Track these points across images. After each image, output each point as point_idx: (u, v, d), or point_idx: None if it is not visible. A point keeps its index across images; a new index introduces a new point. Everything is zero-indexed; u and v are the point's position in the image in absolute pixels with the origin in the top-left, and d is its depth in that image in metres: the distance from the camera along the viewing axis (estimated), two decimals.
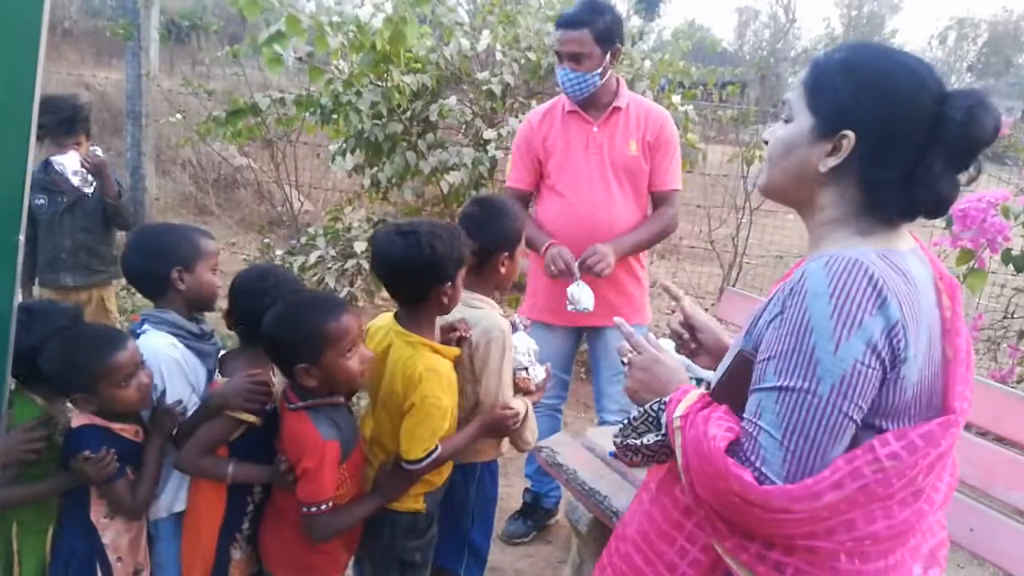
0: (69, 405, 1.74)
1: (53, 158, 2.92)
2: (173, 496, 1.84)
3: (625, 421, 1.28)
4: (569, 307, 2.58)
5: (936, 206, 1.11)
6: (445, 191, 4.08)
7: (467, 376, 1.98)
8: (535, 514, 3.09)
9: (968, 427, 1.95)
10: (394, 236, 1.81)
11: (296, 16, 3.59)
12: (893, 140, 1.08)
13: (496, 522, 3.10)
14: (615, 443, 1.29)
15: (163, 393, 1.78)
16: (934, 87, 1.08)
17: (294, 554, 1.86)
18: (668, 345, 2.10)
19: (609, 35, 2.63)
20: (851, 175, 1.11)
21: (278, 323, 1.72)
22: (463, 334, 1.96)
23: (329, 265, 3.30)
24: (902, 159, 1.08)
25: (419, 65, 4.15)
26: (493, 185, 4.45)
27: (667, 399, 1.20)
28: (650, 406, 1.24)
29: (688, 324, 1.56)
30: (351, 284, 3.33)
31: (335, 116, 4.09)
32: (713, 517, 1.12)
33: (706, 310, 2.33)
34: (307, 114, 4.23)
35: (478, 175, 4.09)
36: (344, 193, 5.20)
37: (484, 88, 4.09)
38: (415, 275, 1.80)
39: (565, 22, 2.64)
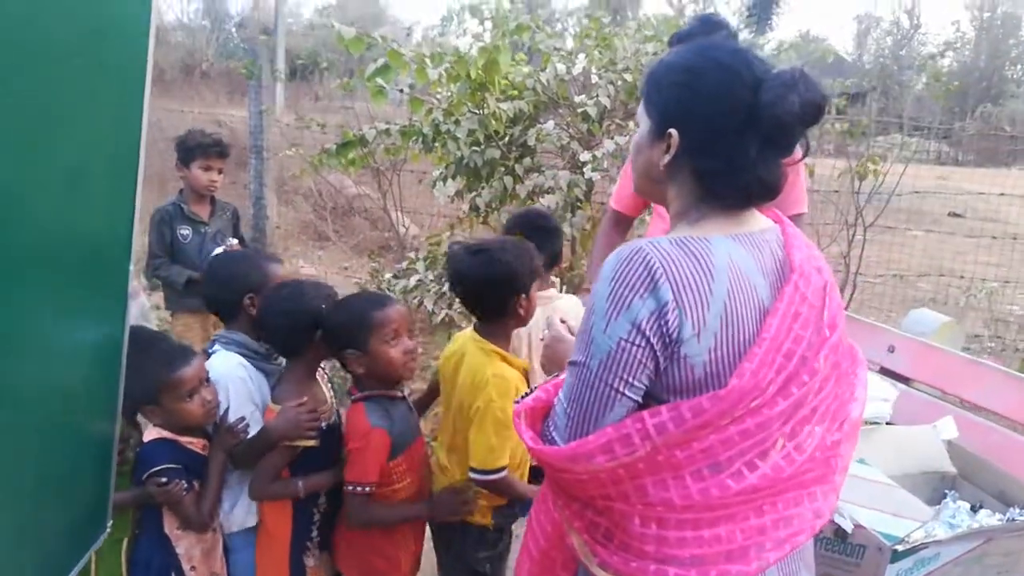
0: (140, 419, 1.86)
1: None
2: (245, 511, 1.93)
3: (530, 390, 1.38)
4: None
5: (762, 190, 1.17)
6: None
7: None
8: None
9: None
10: (466, 256, 1.93)
11: (397, 51, 3.74)
12: (709, 132, 1.15)
13: None
14: (514, 409, 1.41)
15: (227, 411, 1.87)
16: (749, 77, 1.13)
17: (358, 555, 1.94)
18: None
19: None
20: (684, 169, 1.19)
21: (333, 313, 1.87)
22: None
23: (428, 288, 3.39)
24: (722, 148, 1.14)
25: (516, 92, 4.22)
26: (590, 207, 4.44)
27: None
28: (551, 379, 1.37)
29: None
30: (449, 307, 3.40)
31: (436, 144, 4.21)
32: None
33: None
34: (411, 143, 4.38)
35: (574, 198, 4.10)
36: (447, 218, 5.34)
37: (580, 111, 4.10)
38: (491, 290, 1.91)
39: (679, 40, 2.48)
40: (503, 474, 1.87)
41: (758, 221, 1.22)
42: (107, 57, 1.37)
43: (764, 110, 1.11)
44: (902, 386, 2.40)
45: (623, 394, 1.10)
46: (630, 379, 1.09)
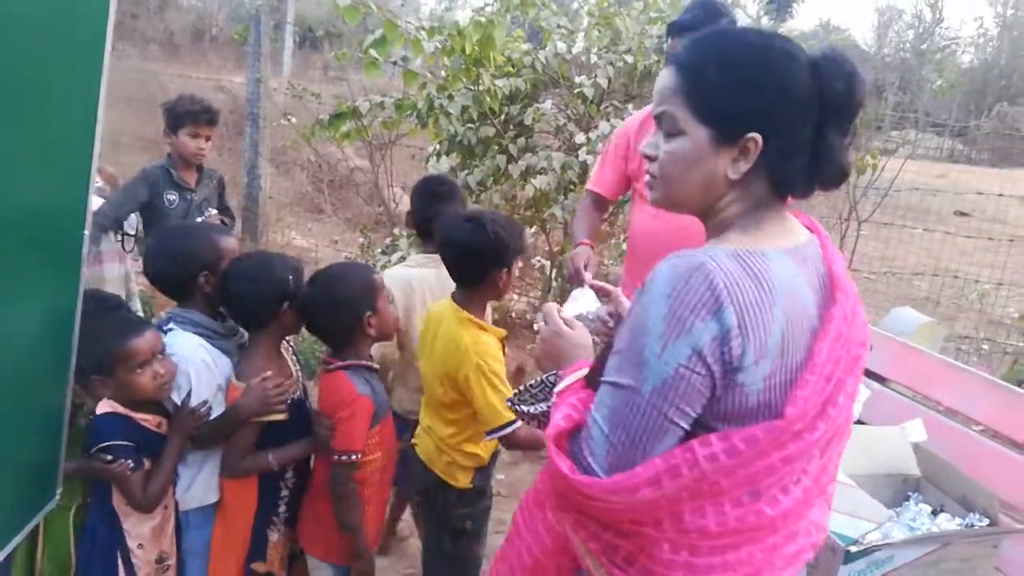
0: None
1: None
2: (205, 487, 1.90)
3: (522, 387, 1.32)
4: (568, 307, 2.37)
5: (839, 177, 1.11)
6: (531, 195, 4.07)
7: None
8: None
9: None
10: (461, 222, 1.99)
11: (393, 21, 3.68)
12: (793, 127, 1.06)
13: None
14: (509, 405, 1.37)
15: (188, 394, 1.82)
16: (804, 59, 1.06)
17: (324, 533, 1.95)
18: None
19: None
20: (756, 172, 1.08)
21: (333, 285, 1.89)
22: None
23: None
24: (803, 143, 1.07)
25: (513, 69, 4.16)
26: (582, 191, 4.39)
27: (561, 373, 1.24)
28: (546, 377, 1.29)
29: (620, 317, 1.51)
30: None
31: (429, 119, 4.17)
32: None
33: None
34: (406, 117, 4.34)
35: (567, 180, 4.05)
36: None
37: (577, 92, 4.04)
38: (478, 257, 1.96)
39: (682, 30, 2.46)
40: (516, 425, 1.92)
41: (801, 230, 1.15)
42: (63, 27, 1.34)
43: (840, 98, 1.05)
44: (877, 386, 2.38)
45: (676, 424, 1.02)
46: (685, 407, 1.01)
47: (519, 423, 1.91)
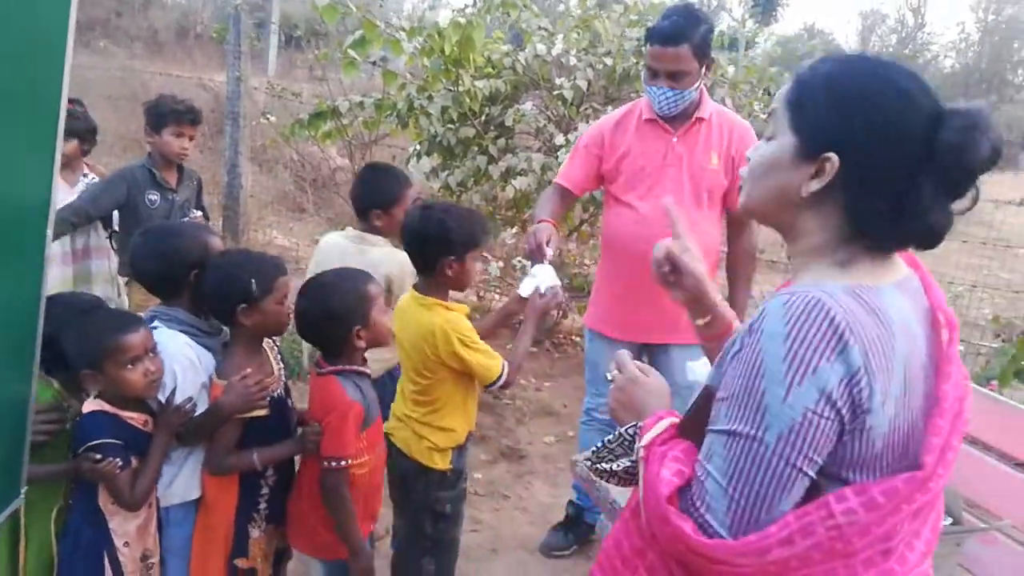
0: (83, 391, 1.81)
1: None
2: (187, 484, 1.90)
3: (600, 444, 1.23)
4: (526, 283, 2.32)
5: (926, 237, 1.03)
6: (511, 196, 4.08)
7: None
8: (577, 528, 3.02)
9: None
10: (417, 210, 2.12)
11: (372, 21, 3.68)
12: (879, 164, 0.99)
13: (539, 531, 3.08)
14: (587, 466, 1.25)
15: (173, 391, 1.83)
16: (927, 106, 0.99)
17: (311, 529, 1.96)
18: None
19: (707, 48, 2.48)
20: (835, 201, 1.03)
21: (328, 296, 1.89)
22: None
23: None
24: (889, 186, 0.99)
25: (492, 70, 4.16)
26: None
27: (641, 424, 1.15)
28: (625, 430, 1.20)
29: (672, 261, 1.45)
30: None
31: (409, 120, 4.17)
32: (667, 556, 1.06)
33: None
34: (386, 117, 4.34)
35: (547, 181, 4.07)
36: (421, 196, 5.29)
37: (556, 93, 4.05)
38: (424, 245, 2.05)
39: (661, 37, 2.44)
40: (507, 371, 2.08)
41: (901, 264, 1.09)
42: (23, 25, 1.33)
43: (948, 152, 0.96)
44: None
45: (805, 473, 0.95)
46: (814, 455, 0.94)
47: (506, 367, 2.08)
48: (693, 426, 1.11)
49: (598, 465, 1.23)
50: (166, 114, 3.16)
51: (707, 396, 1.10)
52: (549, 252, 2.42)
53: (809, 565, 0.95)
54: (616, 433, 1.22)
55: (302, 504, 1.97)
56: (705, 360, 2.16)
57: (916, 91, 1.00)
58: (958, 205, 1.02)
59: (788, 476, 0.94)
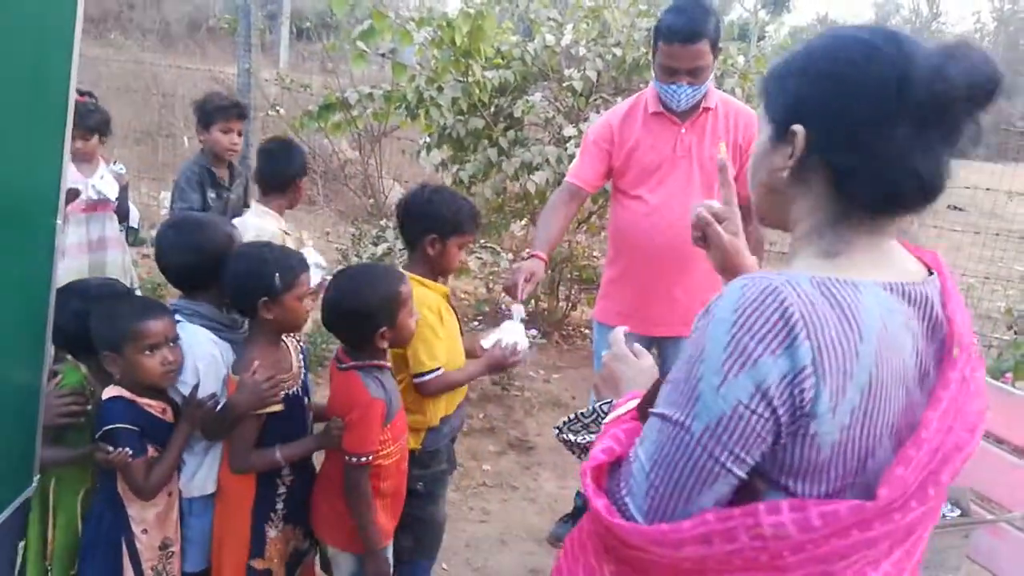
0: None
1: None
2: (206, 477, 1.90)
3: (573, 415, 1.22)
4: (490, 336, 2.30)
5: (919, 189, 0.92)
6: (532, 191, 4.04)
7: None
8: None
9: None
10: (413, 190, 2.20)
11: (381, 12, 3.68)
12: (843, 119, 0.93)
13: (547, 522, 3.09)
14: (555, 434, 1.26)
15: (196, 387, 1.83)
16: (891, 50, 0.91)
17: (343, 522, 1.94)
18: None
19: (719, 38, 2.45)
20: (815, 173, 0.97)
21: (361, 291, 1.88)
22: None
23: (396, 256, 3.38)
24: (863, 138, 0.92)
25: (502, 61, 4.15)
26: None
27: (615, 402, 1.14)
28: (599, 405, 1.19)
29: (703, 229, 1.39)
30: None
31: (419, 111, 4.16)
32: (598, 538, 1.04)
33: None
34: (395, 109, 4.34)
35: (561, 174, 4.06)
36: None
37: (566, 84, 4.04)
38: (409, 219, 2.14)
39: (680, 35, 2.37)
40: (438, 372, 2.07)
41: (911, 264, 1.00)
42: (32, 17, 1.34)
43: (919, 87, 0.88)
44: None
45: (729, 470, 0.88)
46: (741, 453, 0.87)
47: (438, 372, 2.06)
48: (645, 408, 1.06)
49: (565, 436, 1.22)
50: (213, 111, 3.16)
51: (663, 378, 1.05)
52: (523, 295, 2.39)
53: (730, 570, 0.89)
54: (591, 408, 1.20)
55: (332, 498, 1.95)
56: None
57: (874, 37, 0.93)
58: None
59: (709, 470, 0.88)
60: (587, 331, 5.04)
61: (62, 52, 1.45)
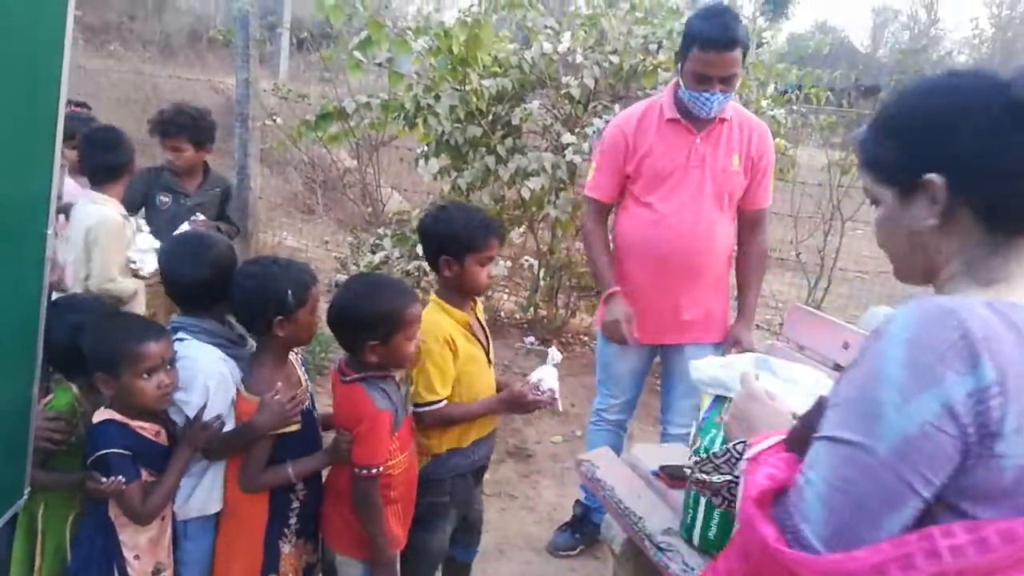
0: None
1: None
2: (206, 497, 1.86)
3: (704, 455, 1.19)
4: (533, 375, 2.19)
5: None
6: (527, 197, 4.05)
7: None
8: (584, 527, 3.01)
9: None
10: (430, 209, 2.18)
11: (378, 21, 3.69)
12: (974, 149, 0.94)
13: (546, 531, 3.07)
14: (687, 474, 1.23)
15: (203, 408, 1.79)
16: (985, 82, 0.96)
17: (352, 529, 1.93)
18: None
19: (748, 44, 2.44)
20: (959, 213, 0.97)
21: (362, 300, 1.85)
22: None
23: (394, 266, 3.38)
24: (1000, 160, 0.93)
25: (499, 69, 4.16)
26: (572, 191, 4.40)
27: (751, 442, 1.11)
28: (734, 446, 1.16)
29: None
30: (416, 284, 3.39)
31: (417, 120, 4.17)
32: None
33: (780, 324, 2.25)
34: (393, 118, 4.34)
35: (559, 180, 4.05)
36: (432, 196, 5.31)
37: (563, 92, 4.04)
38: (424, 244, 2.11)
39: (718, 43, 2.35)
40: (437, 405, 2.01)
41: None
42: (22, 25, 1.34)
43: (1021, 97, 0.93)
44: None
45: (917, 493, 0.86)
46: (928, 474, 0.86)
47: (437, 405, 2.01)
48: (799, 437, 1.04)
49: (698, 475, 1.19)
50: (156, 125, 3.23)
51: (817, 405, 1.04)
52: (631, 335, 2.48)
53: None
54: (724, 448, 1.18)
55: (341, 508, 1.94)
56: (711, 358, 2.14)
57: (965, 75, 0.98)
58: None
59: (897, 492, 0.86)
60: (586, 338, 5.02)
61: (53, 61, 1.45)
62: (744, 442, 1.12)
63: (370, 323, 1.83)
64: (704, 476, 1.16)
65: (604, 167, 2.66)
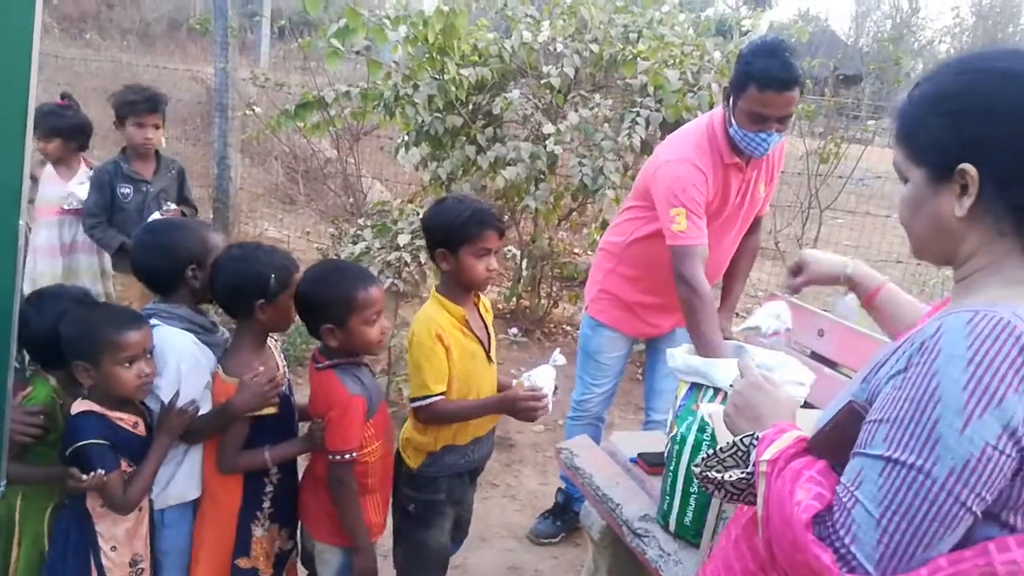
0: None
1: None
2: (184, 484, 1.87)
3: (711, 451, 1.16)
4: (531, 376, 2.09)
5: None
6: (502, 186, 4.06)
7: None
8: (565, 515, 3.04)
9: None
10: (432, 203, 2.13)
11: (355, 10, 3.66)
12: (1013, 147, 0.92)
13: (527, 519, 3.09)
14: (695, 473, 1.19)
15: (177, 394, 1.79)
16: None
17: (330, 516, 1.95)
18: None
19: None
20: (994, 209, 0.95)
21: (315, 284, 1.86)
22: None
23: (374, 256, 3.38)
24: None
25: (479, 58, 4.15)
26: (554, 181, 4.40)
27: (760, 435, 1.08)
28: (741, 439, 1.13)
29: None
30: (397, 275, 3.38)
31: (396, 110, 4.15)
32: None
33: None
34: (373, 107, 4.32)
35: (537, 170, 4.05)
36: (414, 187, 5.30)
37: (544, 81, 4.04)
38: (425, 236, 2.07)
39: (781, 83, 2.20)
40: (431, 400, 1.98)
41: None
42: None
43: None
44: (828, 370, 2.40)
45: (972, 512, 0.87)
46: (984, 493, 0.86)
47: (431, 400, 1.97)
48: (829, 442, 1.02)
49: (707, 474, 1.16)
50: (123, 105, 3.19)
51: (849, 412, 1.02)
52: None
53: None
54: (729, 442, 1.14)
55: (319, 494, 1.95)
56: (687, 346, 2.15)
57: (1016, 66, 0.94)
58: None
59: (954, 514, 0.86)
60: (569, 328, 5.04)
61: (22, 51, 1.43)
62: (752, 435, 1.10)
63: (324, 306, 1.85)
64: (716, 475, 1.13)
65: (695, 215, 2.40)
